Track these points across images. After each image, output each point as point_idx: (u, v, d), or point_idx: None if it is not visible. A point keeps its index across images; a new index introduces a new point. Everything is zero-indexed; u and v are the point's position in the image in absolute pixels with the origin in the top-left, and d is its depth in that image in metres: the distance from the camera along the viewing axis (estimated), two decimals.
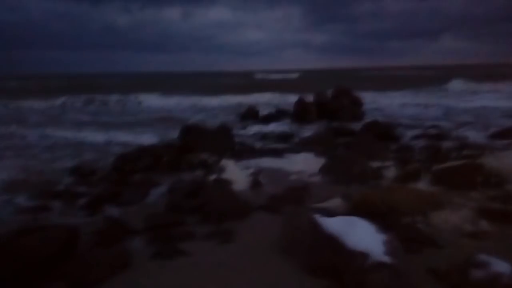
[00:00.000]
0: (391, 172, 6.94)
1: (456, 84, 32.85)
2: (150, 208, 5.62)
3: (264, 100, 23.22)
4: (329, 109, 14.89)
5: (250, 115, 15.85)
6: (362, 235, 3.38)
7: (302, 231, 3.82)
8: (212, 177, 6.94)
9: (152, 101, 24.75)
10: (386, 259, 3.15)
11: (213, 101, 24.18)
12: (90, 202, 5.95)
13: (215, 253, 4.18)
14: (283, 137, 11.32)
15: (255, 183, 6.68)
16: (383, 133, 10.50)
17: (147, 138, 11.51)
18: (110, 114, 20.04)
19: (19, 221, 5.30)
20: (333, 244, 3.31)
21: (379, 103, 20.79)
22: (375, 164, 7.38)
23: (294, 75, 62.98)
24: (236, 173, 7.23)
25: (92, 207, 5.79)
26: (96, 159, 9.11)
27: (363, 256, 3.18)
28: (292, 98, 17.13)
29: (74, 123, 16.33)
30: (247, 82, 47.22)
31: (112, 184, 6.83)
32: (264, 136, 11.63)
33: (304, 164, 7.80)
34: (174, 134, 10.63)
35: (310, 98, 15.53)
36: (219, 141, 9.28)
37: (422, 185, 6.11)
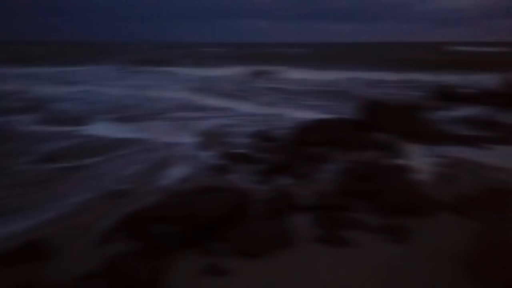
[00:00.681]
0: None
1: None
2: (320, 185, 5.45)
3: (458, 78, 19.95)
4: None
5: (443, 94, 13.86)
6: None
7: (503, 250, 2.97)
8: (391, 161, 6.28)
9: (326, 74, 24.12)
10: None
11: (394, 76, 22.10)
12: (265, 169, 6.18)
13: (384, 252, 3.70)
14: (484, 123, 9.53)
15: (444, 176, 5.72)
16: None
17: (321, 112, 11.31)
18: (282, 84, 20.46)
19: (203, 178, 5.91)
20: None
21: None
22: None
23: (496, 49, 51.86)
24: (421, 160, 6.42)
25: (266, 175, 6.00)
26: (275, 128, 9.43)
27: None
28: (495, 77, 14.09)
29: (252, 94, 17.12)
30: (439, 55, 41.77)
31: (288, 154, 6.93)
32: (459, 120, 10.01)
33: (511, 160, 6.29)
34: (346, 109, 10.38)
35: None
36: (404, 121, 8.34)
37: None
